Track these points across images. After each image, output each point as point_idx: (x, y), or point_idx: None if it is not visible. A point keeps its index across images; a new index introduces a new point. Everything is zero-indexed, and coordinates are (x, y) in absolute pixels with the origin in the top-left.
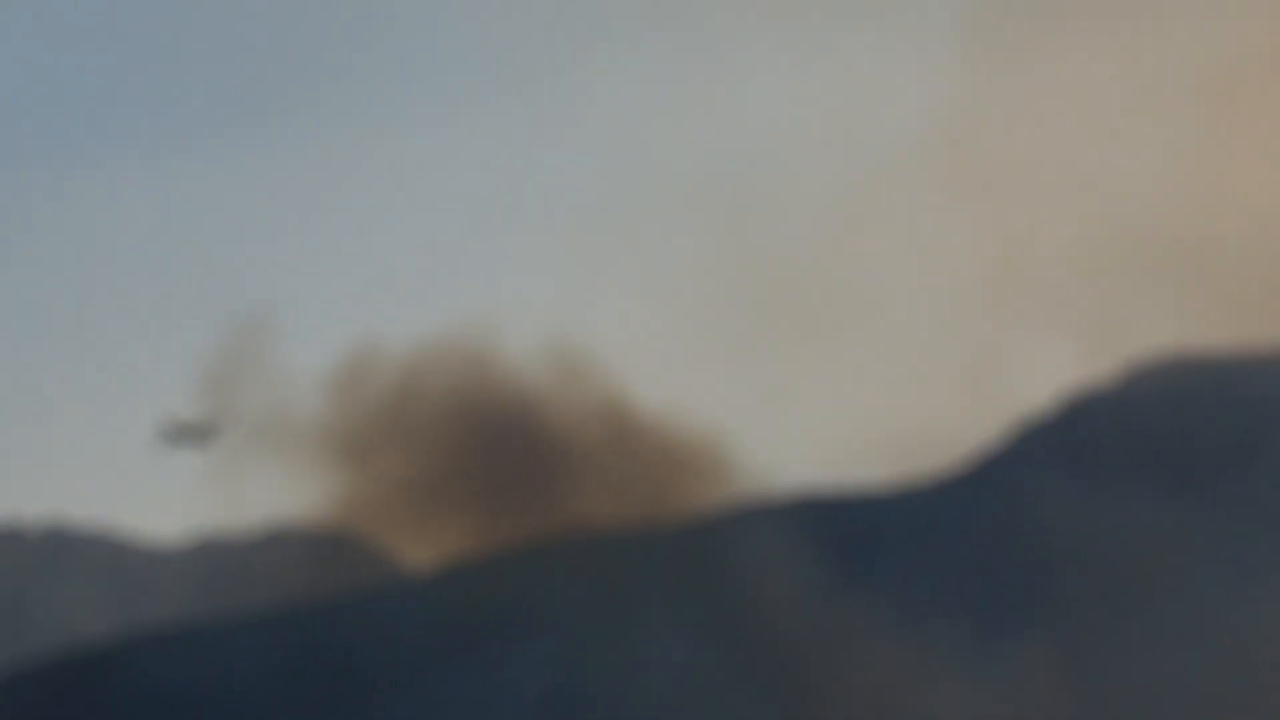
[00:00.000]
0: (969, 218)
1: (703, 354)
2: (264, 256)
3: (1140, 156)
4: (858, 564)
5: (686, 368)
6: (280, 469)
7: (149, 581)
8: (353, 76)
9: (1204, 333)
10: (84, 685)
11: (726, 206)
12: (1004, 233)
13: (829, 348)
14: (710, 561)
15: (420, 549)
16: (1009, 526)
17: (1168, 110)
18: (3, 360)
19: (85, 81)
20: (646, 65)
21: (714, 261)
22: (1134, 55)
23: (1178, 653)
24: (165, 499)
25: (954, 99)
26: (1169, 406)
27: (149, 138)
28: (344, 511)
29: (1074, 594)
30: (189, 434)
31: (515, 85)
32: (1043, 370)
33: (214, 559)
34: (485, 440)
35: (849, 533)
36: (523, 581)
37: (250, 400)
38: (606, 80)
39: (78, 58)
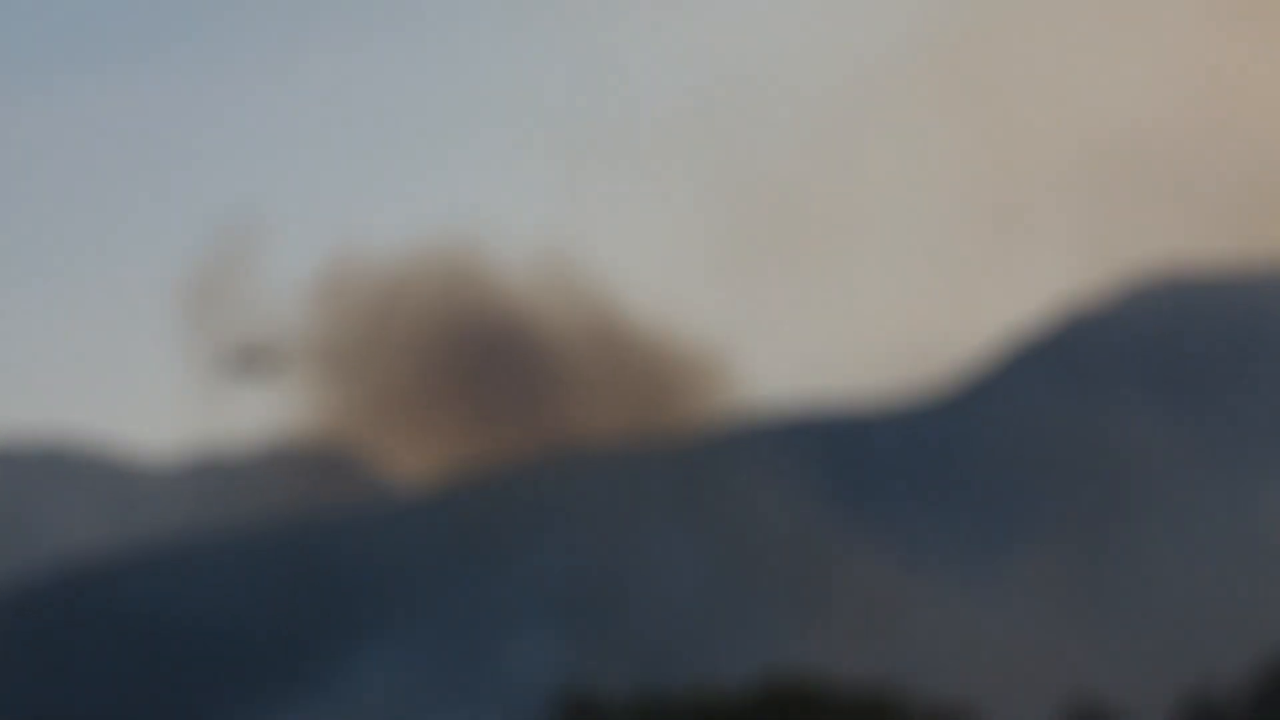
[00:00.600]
0: (962, 132)
1: (697, 268)
2: (253, 164)
3: (1134, 71)
4: (852, 478)
5: (680, 281)
6: (272, 384)
7: (146, 498)
8: None
9: (1198, 247)
10: (80, 602)
11: (719, 122)
12: (997, 147)
13: (823, 263)
14: (709, 476)
15: (415, 464)
16: (1002, 441)
17: (1163, 24)
18: None
19: None
20: None
21: (708, 177)
22: None
23: (1171, 561)
24: (160, 416)
25: (945, 12)
26: (1162, 321)
27: (131, 46)
28: (338, 427)
29: (1067, 506)
30: (255, 360)
31: None
32: (1036, 284)
33: (210, 476)
34: (475, 351)
35: (843, 448)
36: (523, 496)
37: (238, 313)
38: None
39: None
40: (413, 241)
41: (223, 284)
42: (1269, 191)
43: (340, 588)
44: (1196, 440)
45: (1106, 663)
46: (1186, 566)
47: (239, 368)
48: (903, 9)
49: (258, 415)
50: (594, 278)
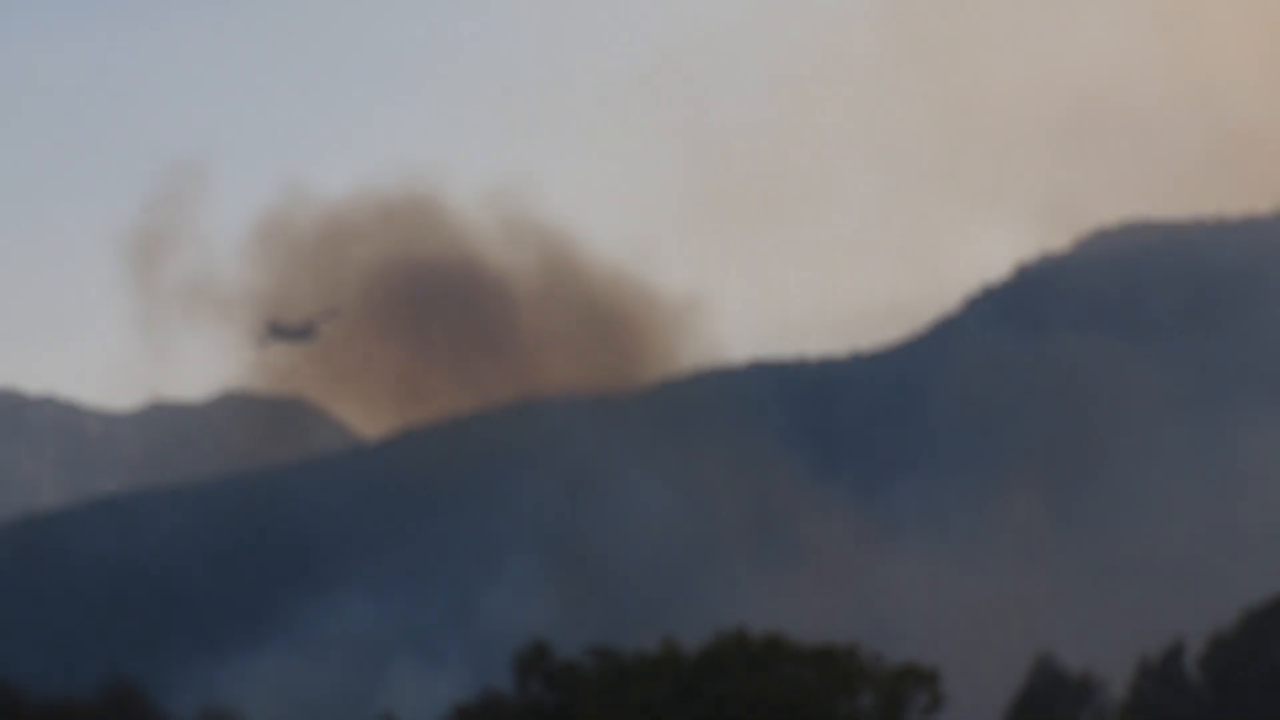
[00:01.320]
0: (921, 89)
1: (662, 218)
2: (199, 111)
3: (1097, 32)
4: (818, 423)
5: (643, 230)
6: (222, 333)
7: (101, 446)
8: None
9: (1157, 201)
10: (34, 550)
11: (685, 78)
12: (961, 103)
13: (787, 217)
14: (678, 423)
15: (370, 412)
16: (965, 384)
17: None
18: None
19: None
20: None
21: (672, 132)
22: None
23: (1137, 506)
24: (111, 366)
25: None
26: (1119, 271)
27: None
28: (292, 374)
29: (1033, 450)
30: (290, 333)
31: None
32: (996, 238)
33: (165, 424)
34: (430, 297)
35: (810, 393)
36: (485, 442)
37: (185, 262)
38: None
39: None
40: (366, 187)
41: (169, 232)
42: (1228, 148)
43: (297, 535)
44: (1161, 385)
45: (1072, 613)
46: (1155, 512)
47: (276, 338)
48: None
49: (210, 364)
50: (553, 224)
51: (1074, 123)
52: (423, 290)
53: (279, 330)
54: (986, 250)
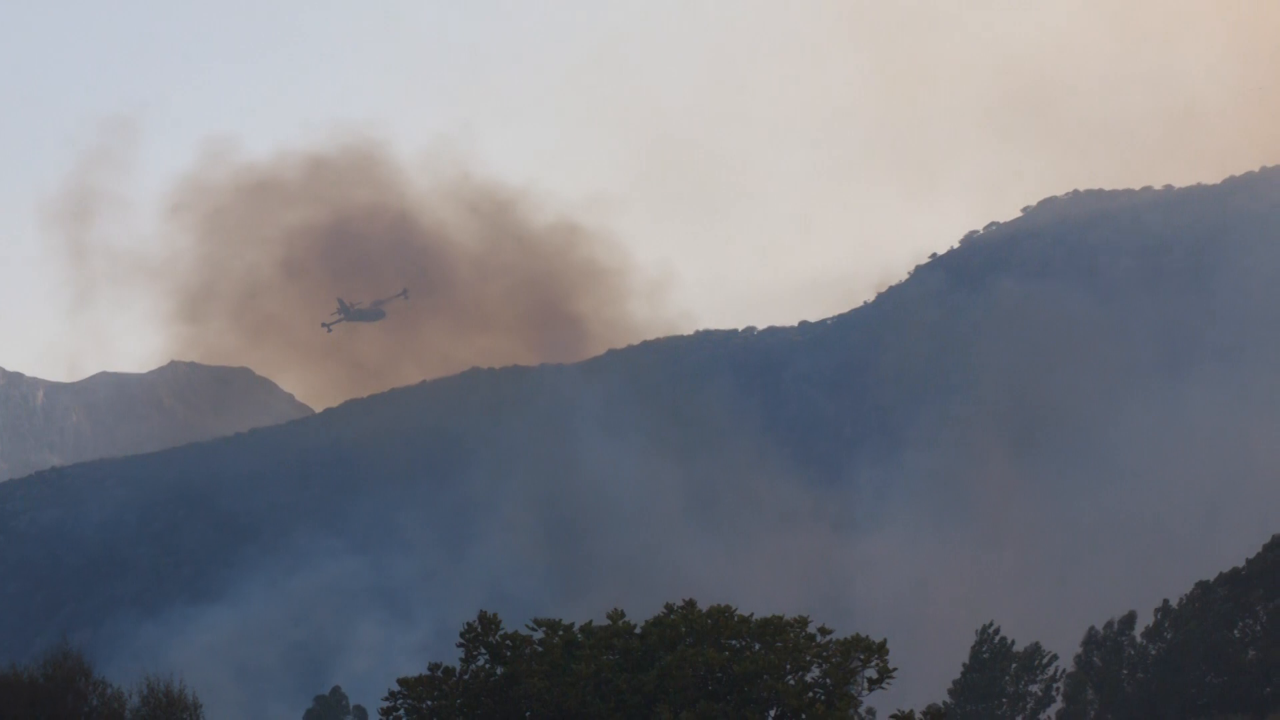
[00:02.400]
0: (867, 67)
1: (601, 190)
2: (127, 70)
3: (1039, 3)
4: (767, 393)
5: (581, 200)
6: (156, 301)
7: (46, 416)
8: None
9: (1099, 176)
10: None
11: (621, 57)
12: (902, 80)
13: (733, 193)
14: (639, 391)
15: (310, 380)
16: (908, 354)
17: None
18: None
19: None
20: None
21: (611, 108)
22: None
23: (1086, 476)
24: (50, 337)
25: None
26: (1068, 241)
27: None
28: (234, 342)
29: (973, 418)
30: (362, 314)
31: None
32: (945, 209)
33: (110, 395)
34: (370, 259)
35: (759, 364)
36: (436, 409)
37: (116, 227)
38: None
39: None
40: (300, 147)
41: (97, 196)
42: (1172, 124)
43: (240, 505)
44: (1112, 354)
45: (1026, 583)
46: (1110, 481)
47: (350, 318)
48: None
49: (150, 333)
50: (493, 188)
51: (1022, 97)
52: (359, 255)
53: (350, 311)
54: (936, 222)
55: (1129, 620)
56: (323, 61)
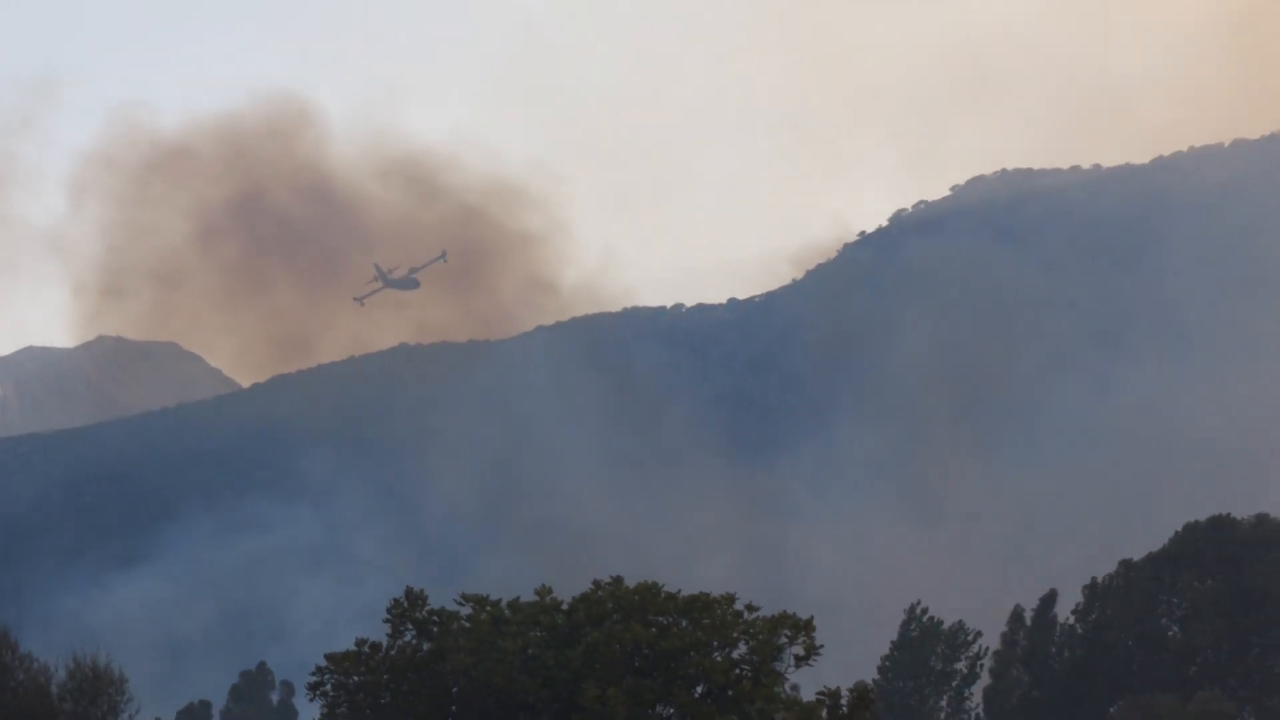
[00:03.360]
0: (797, 47)
1: (527, 164)
2: (37, 34)
3: None
4: (698, 369)
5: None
6: (69, 275)
7: None
8: None
9: (1030, 154)
10: None
11: (548, 36)
12: (832, 61)
13: (666, 174)
14: (554, 369)
15: (242, 358)
16: (835, 331)
17: None
18: None
19: None
20: None
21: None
22: None
23: (1015, 455)
24: None
25: None
26: (992, 221)
27: None
28: (160, 316)
29: (898, 393)
30: (398, 282)
31: None
32: (871, 190)
33: (37, 370)
34: (294, 229)
35: (688, 342)
36: (355, 388)
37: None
38: None
39: None
40: (221, 114)
41: (13, 165)
42: (1089, 102)
43: (165, 478)
44: (1041, 332)
45: (955, 561)
46: (1038, 459)
47: (387, 285)
48: None
49: (77, 308)
50: (415, 153)
51: (951, 77)
52: (281, 227)
53: (388, 278)
54: (866, 200)
55: (1050, 598)
56: (239, 27)
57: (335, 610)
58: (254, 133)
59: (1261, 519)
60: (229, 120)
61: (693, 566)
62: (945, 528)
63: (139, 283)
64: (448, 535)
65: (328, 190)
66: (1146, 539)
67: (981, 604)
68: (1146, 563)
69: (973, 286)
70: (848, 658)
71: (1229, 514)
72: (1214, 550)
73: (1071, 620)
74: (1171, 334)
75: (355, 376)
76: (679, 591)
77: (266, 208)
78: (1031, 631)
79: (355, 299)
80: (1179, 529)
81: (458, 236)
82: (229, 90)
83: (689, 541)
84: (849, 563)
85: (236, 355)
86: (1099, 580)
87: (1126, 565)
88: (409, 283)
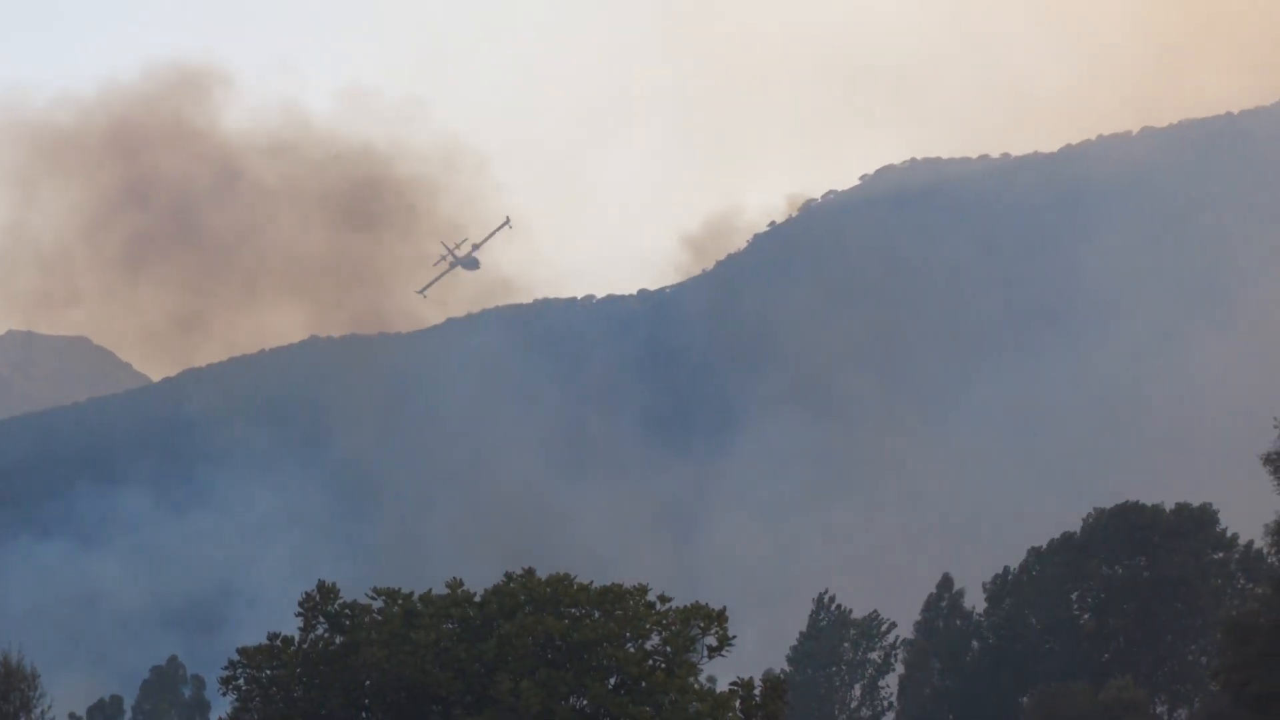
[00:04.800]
0: (704, 34)
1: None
2: None
3: None
4: (610, 359)
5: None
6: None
7: None
8: None
9: (938, 146)
10: None
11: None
12: (743, 52)
13: (573, 167)
14: (462, 361)
15: (153, 353)
16: (745, 321)
17: None
18: None
19: None
20: None
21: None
22: None
23: (928, 446)
24: None
25: None
26: (902, 210)
27: None
28: (69, 314)
29: (808, 384)
30: (463, 262)
31: None
32: (781, 181)
33: None
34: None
35: (598, 332)
36: (266, 382)
37: None
38: None
39: None
40: (111, 99)
41: None
42: (996, 97)
43: (79, 473)
44: (953, 322)
45: (867, 552)
46: (954, 453)
47: (453, 265)
48: None
49: None
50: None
51: (861, 68)
52: (179, 215)
53: (457, 257)
54: (774, 192)
55: (947, 585)
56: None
57: (258, 611)
58: (144, 121)
59: (1181, 507)
60: (119, 107)
61: (610, 556)
62: (862, 516)
63: (49, 277)
64: (366, 531)
65: (229, 170)
66: (1059, 527)
67: (899, 593)
68: (1056, 550)
69: (883, 275)
70: (765, 648)
71: (1137, 501)
72: (1124, 537)
73: (983, 610)
74: (1082, 320)
75: (266, 369)
76: (591, 583)
77: (163, 195)
78: (944, 621)
79: (418, 291)
80: (1088, 516)
81: (367, 229)
82: (114, 77)
83: (604, 531)
84: (766, 552)
85: (148, 350)
86: (1010, 569)
87: (1036, 553)
88: (471, 262)
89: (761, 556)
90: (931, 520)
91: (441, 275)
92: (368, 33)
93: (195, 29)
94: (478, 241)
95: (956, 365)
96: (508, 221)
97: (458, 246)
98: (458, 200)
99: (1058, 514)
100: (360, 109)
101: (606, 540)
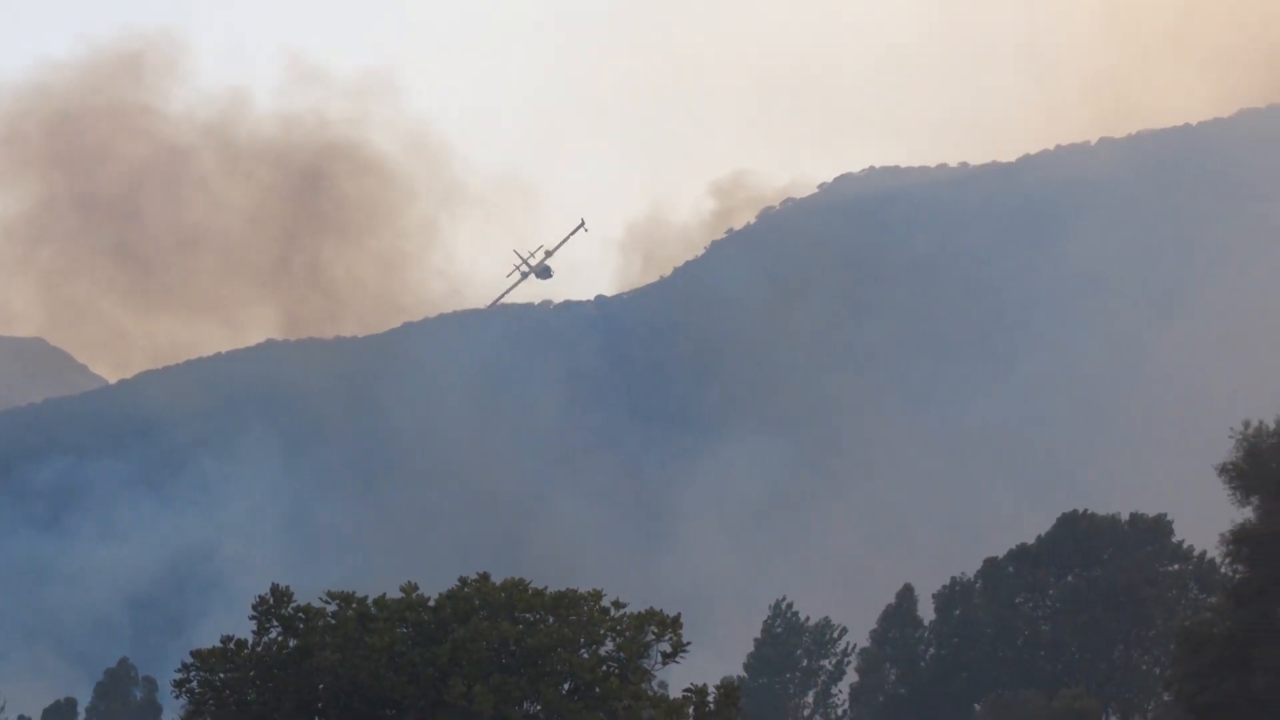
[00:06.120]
0: (660, 38)
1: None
2: None
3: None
4: (567, 366)
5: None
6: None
7: None
8: None
9: (897, 155)
10: None
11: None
12: (697, 53)
13: (529, 170)
14: (413, 369)
15: (112, 355)
16: (702, 331)
17: None
18: None
19: None
20: None
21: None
22: None
23: (873, 456)
24: None
25: None
26: (860, 219)
27: None
28: (25, 314)
29: (769, 391)
30: (542, 271)
31: None
32: (738, 188)
33: None
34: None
35: (555, 339)
36: (225, 385)
37: None
38: None
39: None
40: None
41: None
42: (955, 106)
43: (36, 475)
44: (904, 327)
45: (824, 560)
46: (893, 461)
47: (528, 274)
48: None
49: None
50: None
51: (818, 76)
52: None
53: (532, 267)
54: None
55: (908, 595)
56: None
57: (222, 611)
58: (82, 113)
59: (1135, 517)
60: (58, 99)
61: (567, 561)
62: (826, 524)
63: (4, 277)
64: (326, 534)
65: (176, 165)
66: (1028, 536)
67: (863, 601)
68: (1010, 559)
69: (841, 282)
70: (723, 656)
71: (1089, 510)
72: (1076, 546)
73: (936, 618)
74: (1042, 328)
75: (224, 372)
76: (546, 588)
77: (114, 191)
78: (898, 629)
79: (485, 307)
80: (1042, 526)
81: (328, 234)
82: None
83: (564, 536)
84: (730, 559)
85: (107, 352)
86: (960, 578)
87: (991, 562)
88: (544, 271)
89: (725, 564)
90: (896, 528)
91: (514, 285)
92: (320, 18)
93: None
94: (551, 248)
95: (918, 372)
96: (583, 224)
97: (531, 255)
98: (422, 202)
99: (1025, 522)
100: (314, 98)
101: (567, 548)
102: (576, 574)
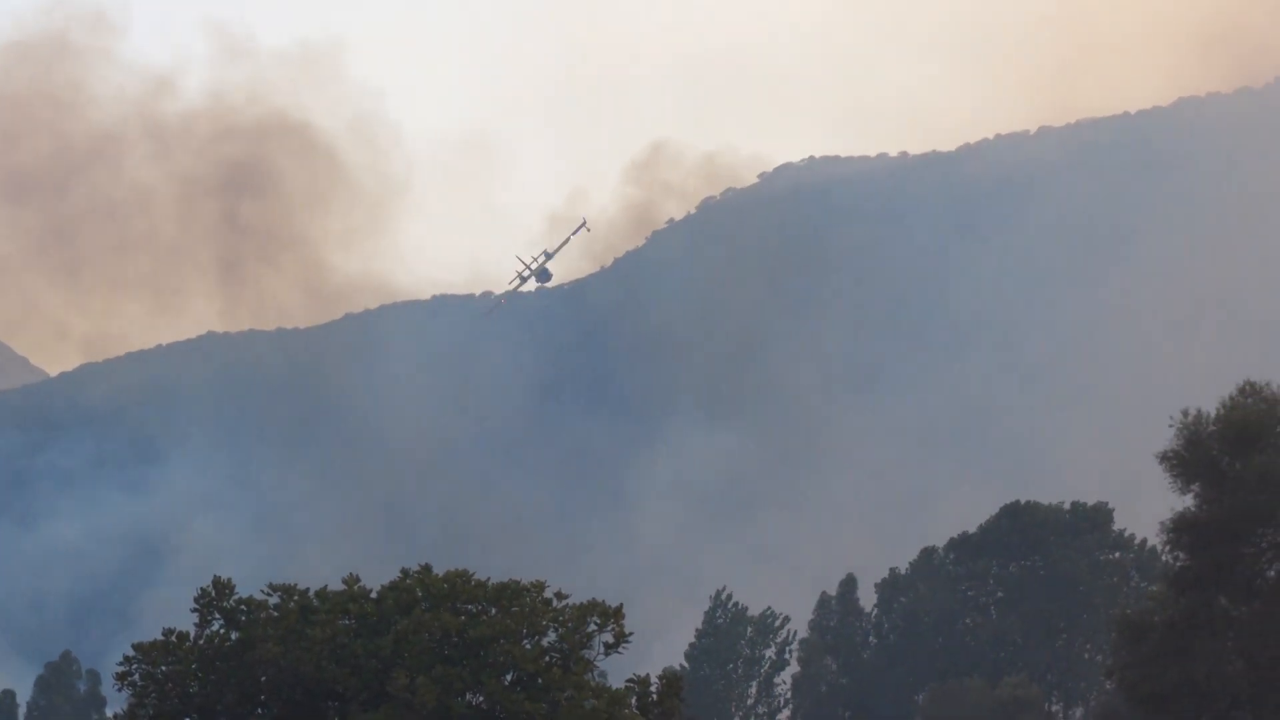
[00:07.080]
0: (596, 29)
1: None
2: None
3: None
4: (515, 355)
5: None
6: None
7: None
8: None
9: (836, 145)
10: None
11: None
12: (634, 38)
13: (478, 157)
14: (356, 358)
15: (50, 347)
16: (645, 320)
17: None
18: None
19: None
20: None
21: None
22: None
23: (823, 432)
24: None
25: None
26: (799, 209)
27: None
28: None
29: (711, 380)
30: (542, 274)
31: None
32: (680, 178)
33: None
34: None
35: (501, 327)
36: (163, 378)
37: None
38: None
39: None
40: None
41: None
42: (895, 96)
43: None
44: (845, 315)
45: (767, 548)
46: (849, 447)
47: (528, 277)
48: None
49: None
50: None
51: (756, 67)
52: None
53: (534, 271)
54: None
55: (850, 584)
56: None
57: (159, 601)
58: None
59: (1076, 506)
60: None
61: (507, 550)
62: (766, 512)
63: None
64: (269, 525)
65: (103, 157)
66: (962, 525)
67: (800, 590)
68: (950, 548)
69: (781, 271)
70: (670, 646)
71: (1032, 500)
72: (1018, 536)
73: (877, 608)
74: (983, 317)
75: (164, 364)
76: (488, 579)
77: (47, 180)
78: (840, 619)
79: (485, 313)
80: (985, 515)
81: (278, 221)
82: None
83: (502, 525)
84: (669, 545)
85: (43, 343)
86: (900, 569)
87: (929, 552)
88: (544, 274)
89: (670, 550)
90: (842, 516)
91: (514, 287)
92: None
93: None
94: (551, 250)
95: (862, 361)
96: (584, 224)
97: (534, 260)
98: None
99: (973, 511)
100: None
101: (514, 535)
102: (522, 560)
